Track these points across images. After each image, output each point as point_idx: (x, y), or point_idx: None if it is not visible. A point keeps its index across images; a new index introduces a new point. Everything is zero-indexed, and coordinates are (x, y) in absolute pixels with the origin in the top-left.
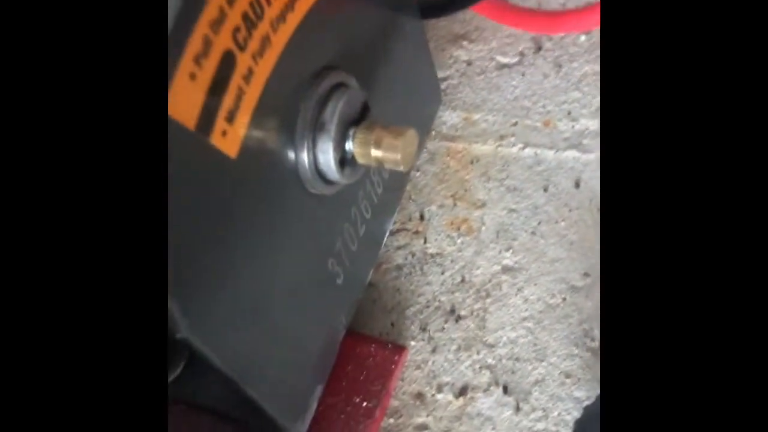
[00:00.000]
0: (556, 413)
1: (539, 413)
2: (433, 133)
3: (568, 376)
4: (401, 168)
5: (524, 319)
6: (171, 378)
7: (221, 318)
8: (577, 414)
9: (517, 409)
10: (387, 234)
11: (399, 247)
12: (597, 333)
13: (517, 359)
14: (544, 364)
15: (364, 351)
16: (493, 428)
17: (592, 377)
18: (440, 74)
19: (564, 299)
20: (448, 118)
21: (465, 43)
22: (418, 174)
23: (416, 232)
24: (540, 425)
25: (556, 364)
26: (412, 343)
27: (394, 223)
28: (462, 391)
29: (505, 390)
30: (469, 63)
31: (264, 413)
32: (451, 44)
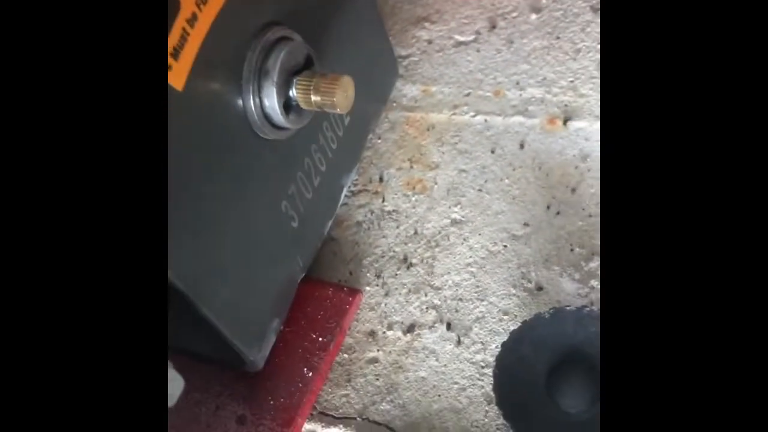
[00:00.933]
0: (493, 346)
1: (478, 346)
2: (394, 104)
3: (506, 313)
4: (338, 111)
5: (468, 264)
6: None
7: (175, 236)
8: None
9: (459, 342)
10: (344, 190)
11: (359, 206)
12: (534, 275)
13: (461, 299)
14: (484, 303)
15: (322, 294)
16: (437, 360)
17: (528, 314)
18: (403, 52)
19: (505, 246)
20: (408, 91)
21: (426, 24)
22: (379, 141)
23: (375, 193)
24: (479, 356)
25: (495, 303)
26: (368, 288)
27: (356, 184)
28: (410, 329)
29: (449, 326)
30: (429, 42)
31: (225, 342)
32: (413, 26)
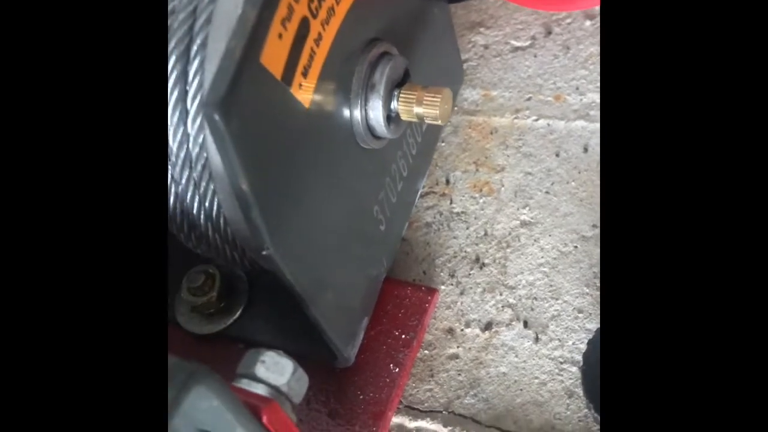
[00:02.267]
0: (570, 342)
1: (556, 342)
2: (456, 108)
3: (580, 311)
4: (439, 122)
5: (540, 264)
6: (231, 320)
7: (294, 243)
8: (588, 340)
9: (537, 339)
10: (419, 194)
11: (428, 208)
12: None
13: (535, 298)
14: (559, 301)
15: (401, 293)
16: (516, 356)
17: None
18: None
19: (575, 247)
20: (469, 95)
21: (482, 29)
22: (443, 144)
23: (443, 195)
24: (557, 353)
25: (569, 302)
26: (442, 287)
27: (423, 187)
28: (487, 326)
29: (526, 324)
30: (486, 47)
31: (322, 341)
32: (469, 31)
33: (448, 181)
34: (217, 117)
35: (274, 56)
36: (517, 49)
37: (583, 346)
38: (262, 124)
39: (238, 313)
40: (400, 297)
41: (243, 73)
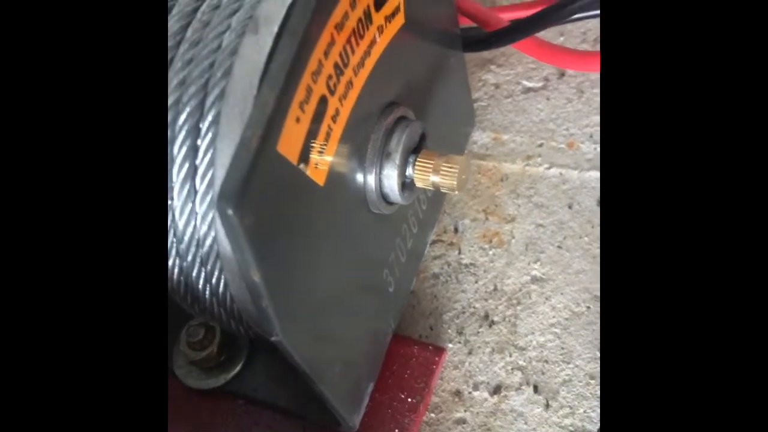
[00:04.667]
0: (581, 410)
1: (567, 410)
2: (466, 152)
3: (592, 377)
4: (455, 192)
5: (552, 325)
6: (231, 375)
7: (303, 325)
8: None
9: (547, 406)
10: (427, 246)
11: (435, 257)
12: None
13: (546, 361)
14: (570, 366)
15: (407, 352)
16: (525, 423)
17: None
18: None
19: (588, 308)
20: (479, 137)
21: (493, 67)
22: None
23: (451, 244)
24: (567, 421)
25: (581, 366)
26: (450, 345)
27: (432, 235)
28: (496, 390)
29: (536, 389)
30: (497, 86)
31: (323, 405)
32: (479, 68)
33: (456, 230)
34: (230, 212)
35: (291, 141)
36: (529, 90)
37: (595, 415)
38: (276, 213)
39: (238, 368)
40: (407, 356)
41: (259, 164)
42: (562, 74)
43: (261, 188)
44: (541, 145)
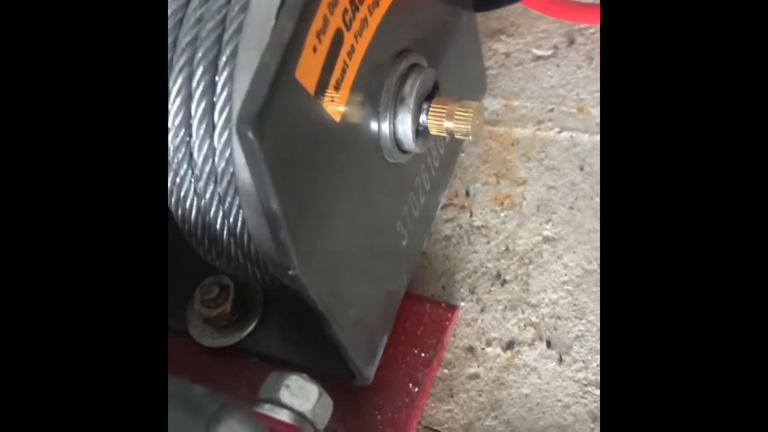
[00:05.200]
0: (595, 364)
1: (580, 364)
2: None
3: None
4: (470, 138)
5: (564, 282)
6: (245, 334)
7: (319, 262)
8: None
9: (560, 361)
10: (439, 206)
11: (447, 220)
12: None
13: (559, 317)
14: (583, 321)
15: (420, 309)
16: (539, 378)
17: None
18: None
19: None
20: (490, 104)
21: (503, 37)
22: (463, 155)
23: (463, 207)
24: (581, 375)
25: (594, 322)
26: (462, 303)
27: (443, 198)
28: (509, 346)
29: (549, 344)
30: (507, 55)
31: (340, 358)
32: (489, 38)
33: (468, 193)
34: (250, 135)
35: (308, 70)
36: (539, 58)
37: None
38: (294, 140)
39: (253, 327)
40: (420, 314)
41: (278, 88)
42: (572, 42)
43: (280, 113)
44: (551, 110)
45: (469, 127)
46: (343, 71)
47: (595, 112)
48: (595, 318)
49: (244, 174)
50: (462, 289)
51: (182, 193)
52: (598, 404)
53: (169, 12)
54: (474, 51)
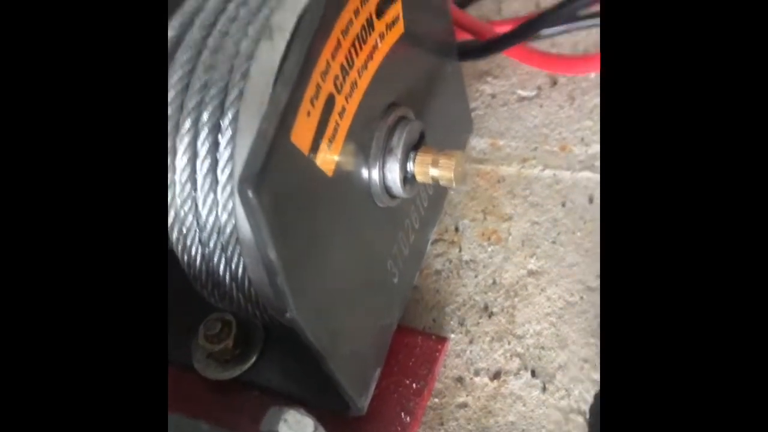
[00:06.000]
0: (576, 392)
1: (563, 392)
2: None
3: (586, 361)
4: (453, 185)
5: (548, 314)
6: (246, 367)
7: (314, 304)
8: (594, 392)
9: (544, 389)
10: (429, 243)
11: (438, 255)
12: None
13: (543, 348)
14: (565, 351)
15: (412, 341)
16: (524, 405)
17: None
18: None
19: (581, 297)
20: (477, 143)
21: (489, 78)
22: (452, 192)
23: (452, 242)
24: (563, 402)
25: (575, 352)
26: (452, 335)
27: (433, 234)
28: (496, 375)
29: (533, 374)
30: (493, 96)
31: (335, 390)
32: (476, 80)
33: (457, 229)
34: (250, 193)
35: (302, 133)
36: (523, 99)
37: (589, 396)
38: (290, 196)
39: (253, 360)
40: (411, 346)
41: (274, 152)
42: (554, 83)
43: (277, 173)
44: (535, 149)
45: (452, 174)
46: (335, 130)
47: (577, 150)
48: (576, 347)
49: (244, 226)
50: (452, 322)
51: (188, 242)
52: (580, 431)
53: (176, 78)
54: (459, 94)
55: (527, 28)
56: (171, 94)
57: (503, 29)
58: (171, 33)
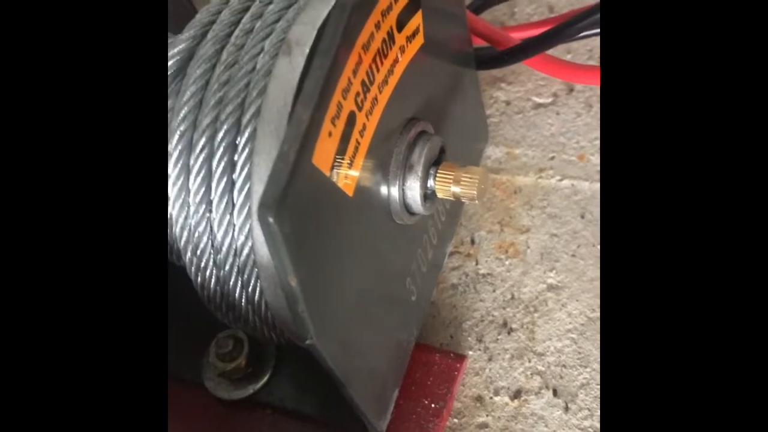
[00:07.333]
0: (600, 412)
1: (586, 412)
2: (480, 166)
3: None
4: (475, 201)
5: (569, 330)
6: (259, 386)
7: (334, 329)
8: None
9: (566, 409)
10: (446, 257)
11: (453, 268)
12: None
13: (564, 366)
14: (588, 369)
15: (429, 359)
16: (546, 426)
17: None
18: None
19: None
20: (492, 152)
21: (503, 85)
22: (467, 203)
23: (468, 255)
24: (587, 423)
25: (598, 370)
26: (470, 352)
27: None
28: (516, 395)
29: (555, 393)
30: (508, 103)
31: (351, 410)
32: (490, 86)
33: (473, 241)
34: (271, 219)
35: (324, 155)
36: (539, 106)
37: None
38: (311, 220)
39: (266, 379)
40: (429, 364)
41: (296, 176)
42: (571, 90)
43: (298, 198)
44: (552, 158)
45: (476, 192)
46: (356, 149)
47: (595, 159)
48: (598, 365)
49: (262, 250)
50: (470, 338)
51: (202, 264)
52: None
53: (189, 93)
54: (477, 104)
55: (549, 38)
56: (184, 111)
57: (520, 35)
58: (181, 46)
